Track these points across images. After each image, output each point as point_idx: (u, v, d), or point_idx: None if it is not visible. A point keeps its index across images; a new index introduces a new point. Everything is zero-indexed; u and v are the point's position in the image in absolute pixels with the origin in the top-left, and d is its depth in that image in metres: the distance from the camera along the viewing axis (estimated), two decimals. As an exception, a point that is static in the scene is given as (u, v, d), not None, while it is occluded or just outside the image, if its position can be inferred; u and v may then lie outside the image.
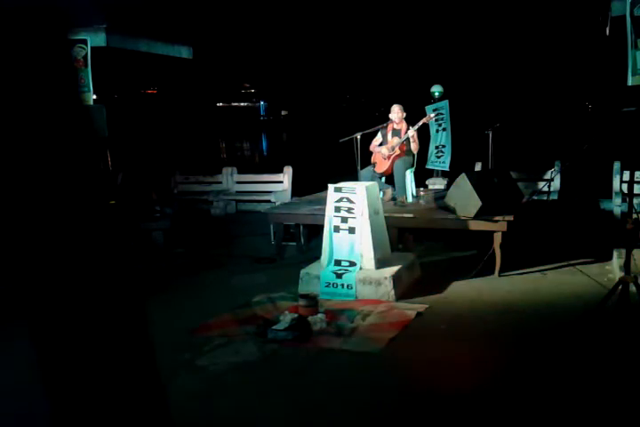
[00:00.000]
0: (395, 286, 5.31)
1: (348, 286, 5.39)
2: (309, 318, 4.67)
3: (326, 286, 5.44)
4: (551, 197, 7.76)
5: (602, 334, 4.24)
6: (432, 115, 7.75)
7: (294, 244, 7.46)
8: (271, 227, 7.31)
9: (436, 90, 9.49)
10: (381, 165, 7.14)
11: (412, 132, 6.92)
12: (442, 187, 8.82)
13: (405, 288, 5.50)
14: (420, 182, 8.18)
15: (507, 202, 5.99)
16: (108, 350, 0.94)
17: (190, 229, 8.48)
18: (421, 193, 7.69)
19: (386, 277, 5.33)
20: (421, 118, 7.25)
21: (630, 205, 4.39)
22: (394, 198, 7.06)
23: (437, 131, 8.92)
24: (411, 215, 6.39)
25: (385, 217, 5.89)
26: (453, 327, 4.64)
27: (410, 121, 7.15)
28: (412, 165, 7.21)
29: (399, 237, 6.67)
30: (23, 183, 0.85)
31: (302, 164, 12.73)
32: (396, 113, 7.07)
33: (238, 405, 3.52)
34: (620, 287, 4.25)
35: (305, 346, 4.33)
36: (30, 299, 0.90)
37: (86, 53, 8.41)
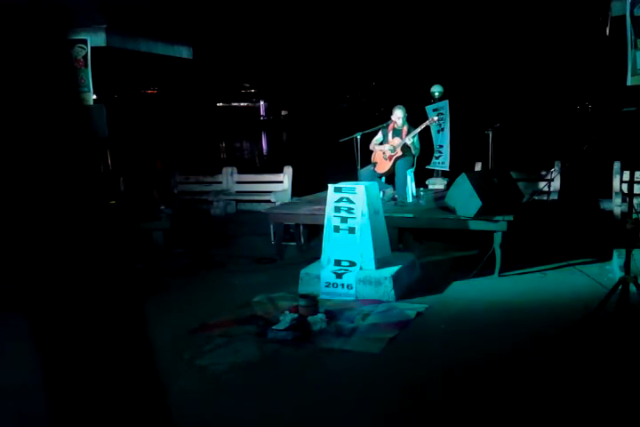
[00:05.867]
0: (395, 286, 5.31)
1: (348, 286, 5.39)
2: (309, 318, 4.67)
3: (326, 286, 5.44)
4: (551, 197, 7.76)
5: (602, 334, 4.24)
6: (435, 118, 7.73)
7: (294, 244, 7.45)
8: (271, 227, 7.31)
9: (436, 90, 9.48)
10: (382, 166, 7.13)
11: (409, 140, 6.92)
12: (442, 187, 8.81)
13: (405, 288, 5.50)
14: (420, 182, 8.18)
15: (507, 202, 5.99)
16: (107, 349, 0.94)
17: (190, 229, 8.48)
18: (421, 193, 7.69)
19: (386, 278, 5.33)
20: (421, 118, 7.24)
21: (630, 205, 4.39)
22: (394, 198, 7.06)
23: (438, 131, 8.91)
24: (411, 215, 6.39)
25: (385, 217, 5.89)
26: (453, 327, 4.64)
27: (411, 121, 7.14)
28: (413, 166, 7.21)
29: (399, 237, 6.67)
30: (23, 183, 0.85)
31: (302, 164, 12.73)
32: (398, 119, 7.04)
33: (238, 405, 3.51)
34: (620, 287, 4.25)
35: (305, 346, 4.33)
36: (30, 298, 0.90)
37: (86, 53, 8.41)
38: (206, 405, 3.52)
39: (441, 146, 8.82)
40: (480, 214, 5.83)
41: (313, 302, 4.92)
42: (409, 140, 6.92)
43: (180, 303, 5.46)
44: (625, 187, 7.08)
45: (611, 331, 4.25)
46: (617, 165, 7.81)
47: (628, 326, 4.23)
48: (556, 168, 8.25)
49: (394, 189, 7.11)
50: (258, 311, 5.09)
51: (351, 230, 5.53)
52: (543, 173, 8.49)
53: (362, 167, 6.94)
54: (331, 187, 5.67)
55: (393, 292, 5.30)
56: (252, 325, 4.75)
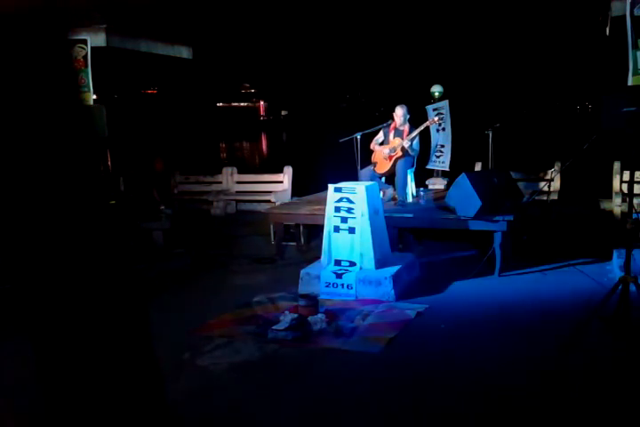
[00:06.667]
0: (395, 286, 5.31)
1: (347, 286, 5.39)
2: (309, 318, 4.67)
3: (326, 286, 5.44)
4: (551, 197, 7.76)
5: (602, 334, 4.24)
6: (436, 118, 7.72)
7: (294, 244, 7.45)
8: (271, 227, 7.31)
9: (436, 90, 9.48)
10: (382, 166, 7.14)
11: (407, 143, 6.92)
12: (442, 187, 8.81)
13: (405, 288, 5.50)
14: (420, 182, 8.17)
15: (507, 202, 5.99)
16: (108, 349, 0.94)
17: (190, 229, 8.48)
18: (421, 193, 7.69)
19: (386, 278, 5.33)
20: (422, 118, 7.24)
21: (630, 205, 4.39)
22: (394, 198, 7.06)
23: (438, 131, 8.91)
24: (411, 215, 6.39)
25: (385, 217, 5.89)
26: (453, 327, 4.64)
27: (410, 121, 7.14)
28: (413, 166, 7.21)
29: (399, 237, 6.67)
30: (23, 183, 0.85)
31: (302, 164, 12.74)
32: (400, 117, 7.04)
33: (238, 405, 3.52)
34: (620, 287, 4.25)
35: (305, 346, 4.33)
36: (31, 298, 0.90)
37: (86, 53, 8.41)
38: (206, 404, 3.52)
39: (442, 146, 8.81)
40: (480, 214, 5.83)
41: (313, 302, 4.92)
42: (407, 144, 6.92)
43: (180, 303, 5.46)
44: (625, 187, 7.07)
45: (611, 331, 4.25)
46: (617, 165, 7.80)
47: (627, 326, 4.24)
48: (556, 168, 8.24)
49: (394, 189, 7.11)
50: (258, 311, 5.09)
51: (351, 230, 5.53)
52: (543, 173, 8.49)
53: (362, 167, 6.94)
54: (331, 187, 5.67)
55: (393, 292, 5.30)
56: (252, 325, 4.75)
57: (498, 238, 5.87)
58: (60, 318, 0.91)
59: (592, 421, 3.22)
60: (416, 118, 7.39)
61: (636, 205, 5.08)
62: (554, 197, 7.89)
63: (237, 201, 9.95)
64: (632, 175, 4.71)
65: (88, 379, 0.93)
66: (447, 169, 8.88)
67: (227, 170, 10.15)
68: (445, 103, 8.94)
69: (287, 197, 9.19)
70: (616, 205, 7.42)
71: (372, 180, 6.58)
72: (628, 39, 6.56)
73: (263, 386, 3.74)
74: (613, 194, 7.67)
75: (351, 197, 5.54)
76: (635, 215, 4.35)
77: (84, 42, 8.38)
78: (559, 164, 8.26)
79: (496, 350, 4.16)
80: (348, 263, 5.53)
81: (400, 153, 7.03)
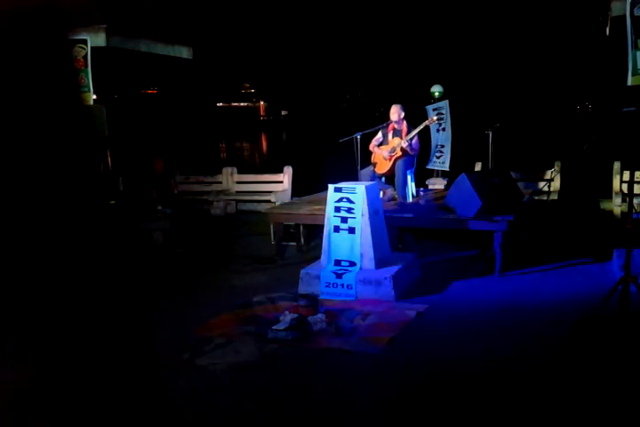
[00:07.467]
0: (395, 286, 5.31)
1: (347, 286, 5.39)
2: (309, 318, 4.67)
3: (326, 286, 5.44)
4: (551, 197, 7.76)
5: (602, 335, 4.24)
6: (434, 117, 7.73)
7: (294, 244, 7.46)
8: (271, 227, 7.31)
9: (436, 90, 9.48)
10: (382, 166, 7.14)
11: (404, 143, 6.93)
12: (442, 187, 8.81)
13: (405, 288, 5.50)
14: (420, 182, 8.18)
15: (507, 202, 5.99)
16: (109, 349, 0.94)
17: (190, 229, 8.48)
18: (421, 193, 7.69)
19: (386, 278, 5.33)
20: (421, 118, 7.25)
21: (630, 205, 4.39)
22: (394, 198, 7.07)
23: (438, 130, 8.91)
24: (411, 215, 6.39)
25: (385, 217, 5.89)
26: (453, 327, 4.64)
27: (410, 121, 7.15)
28: (413, 165, 7.22)
29: (399, 237, 6.67)
30: (23, 183, 0.85)
31: (302, 164, 12.74)
32: (394, 114, 7.07)
33: (238, 404, 3.52)
34: (620, 287, 4.25)
35: (305, 346, 4.33)
36: (30, 298, 0.90)
37: (86, 53, 8.41)
38: (206, 404, 3.52)
39: (442, 146, 8.81)
40: (480, 214, 5.83)
41: (313, 302, 4.92)
42: (405, 143, 6.93)
43: (180, 303, 5.46)
44: (625, 187, 7.08)
45: (611, 331, 4.25)
46: (617, 165, 7.80)
47: (627, 326, 4.24)
48: (556, 168, 8.25)
49: (394, 189, 7.11)
50: (258, 311, 5.10)
51: (351, 230, 5.53)
52: (543, 172, 8.49)
53: (362, 167, 6.95)
54: (331, 187, 5.67)
55: (393, 292, 5.30)
56: (252, 325, 4.75)
57: (498, 238, 5.87)
58: (60, 318, 0.91)
59: (592, 420, 3.23)
60: (416, 118, 7.40)
61: (635, 205, 5.09)
62: (554, 197, 7.90)
63: (237, 201, 9.95)
64: (632, 175, 4.71)
65: (88, 379, 0.93)
66: (447, 169, 8.88)
67: (227, 170, 10.15)
68: (445, 103, 8.94)
69: (287, 197, 9.19)
70: (616, 205, 7.42)
71: (372, 180, 6.59)
72: (628, 39, 6.56)
73: (263, 386, 3.74)
74: (613, 194, 7.68)
75: (351, 197, 5.54)
76: (635, 215, 4.35)
77: (84, 42, 8.38)
78: (559, 164, 8.26)
79: (496, 350, 4.16)
80: (347, 263, 5.53)
81: (400, 153, 7.03)
